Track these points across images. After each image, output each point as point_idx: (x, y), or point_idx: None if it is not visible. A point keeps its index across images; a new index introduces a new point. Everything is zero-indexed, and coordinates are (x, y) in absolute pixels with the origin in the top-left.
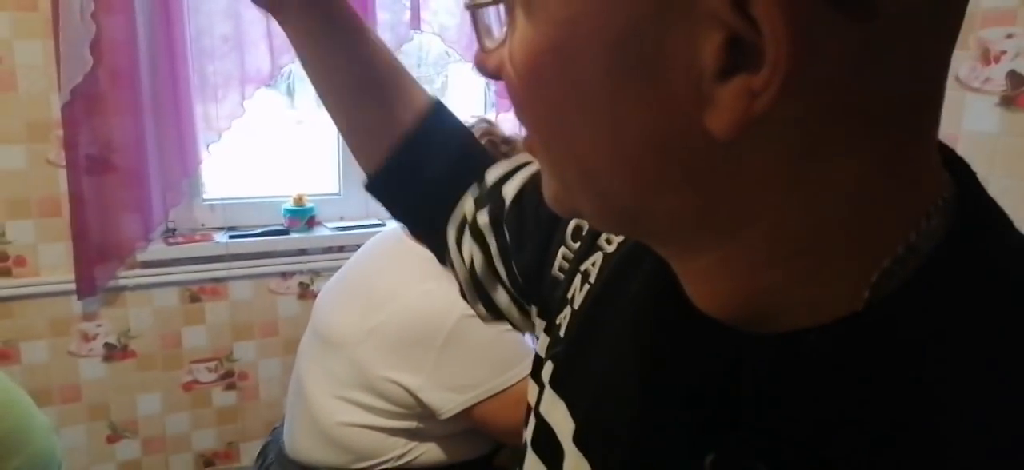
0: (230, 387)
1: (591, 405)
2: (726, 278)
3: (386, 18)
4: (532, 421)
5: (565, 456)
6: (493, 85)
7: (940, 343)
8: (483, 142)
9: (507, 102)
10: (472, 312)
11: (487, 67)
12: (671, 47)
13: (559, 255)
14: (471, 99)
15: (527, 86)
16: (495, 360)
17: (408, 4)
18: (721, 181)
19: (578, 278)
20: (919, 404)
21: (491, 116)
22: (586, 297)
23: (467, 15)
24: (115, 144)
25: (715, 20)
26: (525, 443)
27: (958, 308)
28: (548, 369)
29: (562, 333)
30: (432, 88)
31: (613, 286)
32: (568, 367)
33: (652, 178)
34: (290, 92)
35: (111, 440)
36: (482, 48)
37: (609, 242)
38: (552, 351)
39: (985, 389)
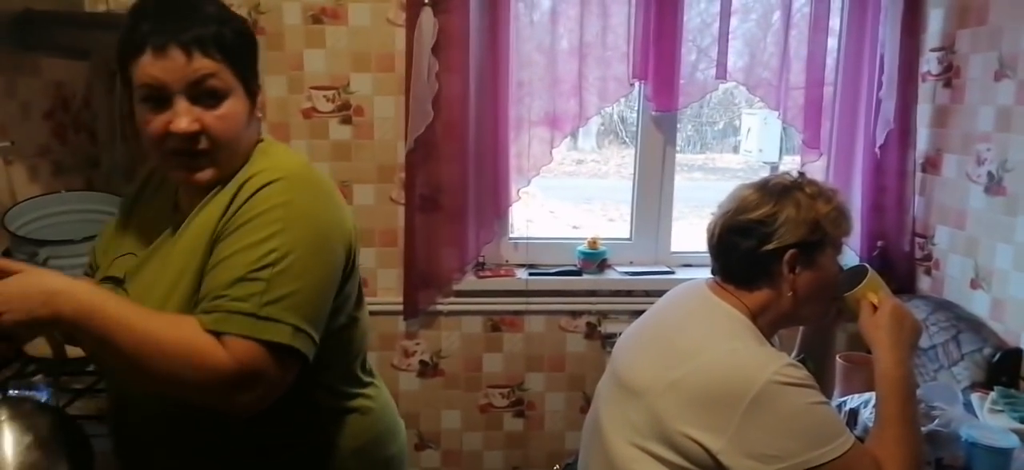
0: (519, 414)
1: None
2: None
3: (695, 75)
4: None
5: None
6: (794, 133)
7: None
8: (788, 180)
9: (814, 153)
10: (782, 378)
11: None
12: None
13: None
14: (766, 141)
15: None
16: (805, 432)
17: (714, 58)
18: None
19: None
20: None
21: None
22: None
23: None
24: (444, 186)
25: None
26: None
27: None
28: None
29: None
30: (714, 131)
31: None
32: None
33: None
34: (573, 134)
35: (418, 448)
36: None
37: None
38: None
39: None
